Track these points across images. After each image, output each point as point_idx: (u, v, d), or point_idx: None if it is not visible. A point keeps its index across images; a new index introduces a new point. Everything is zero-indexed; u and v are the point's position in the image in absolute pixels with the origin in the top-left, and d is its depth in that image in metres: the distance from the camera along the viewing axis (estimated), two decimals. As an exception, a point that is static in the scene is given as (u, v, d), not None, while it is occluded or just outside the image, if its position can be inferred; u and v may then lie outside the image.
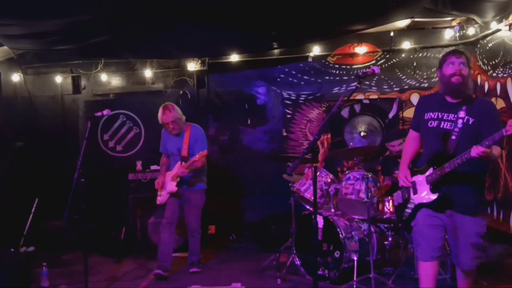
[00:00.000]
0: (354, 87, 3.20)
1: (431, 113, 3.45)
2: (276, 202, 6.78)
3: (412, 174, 3.54)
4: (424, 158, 3.50)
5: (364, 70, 3.14)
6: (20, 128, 7.56)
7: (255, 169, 7.37)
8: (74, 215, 4.19)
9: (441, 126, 3.37)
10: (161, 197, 5.40)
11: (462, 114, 3.30)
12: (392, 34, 7.07)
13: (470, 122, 3.28)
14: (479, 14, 5.94)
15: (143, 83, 7.69)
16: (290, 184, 5.39)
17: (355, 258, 4.66)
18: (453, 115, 3.34)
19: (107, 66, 7.68)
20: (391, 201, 4.96)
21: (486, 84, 6.73)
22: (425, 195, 3.41)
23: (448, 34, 7.07)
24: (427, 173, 3.40)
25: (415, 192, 3.50)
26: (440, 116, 3.40)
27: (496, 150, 3.16)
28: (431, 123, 3.43)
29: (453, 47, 7.12)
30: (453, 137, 3.29)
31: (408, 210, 3.54)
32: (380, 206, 4.96)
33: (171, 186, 5.27)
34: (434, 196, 3.35)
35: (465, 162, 3.12)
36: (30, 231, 6.79)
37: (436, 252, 3.38)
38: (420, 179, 3.46)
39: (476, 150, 2.99)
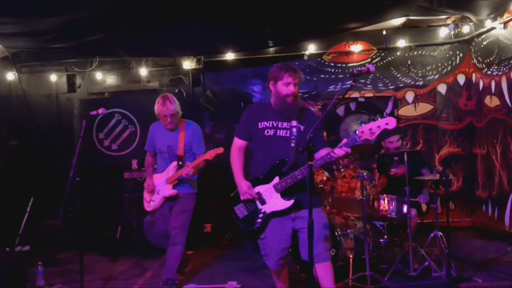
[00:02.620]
0: (349, 85, 3.19)
1: (265, 122, 3.57)
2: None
3: (253, 185, 3.55)
4: (263, 167, 3.54)
5: (359, 68, 3.14)
6: (15, 127, 7.54)
7: (251, 167, 7.36)
8: (70, 214, 4.20)
9: (278, 134, 3.52)
10: (154, 203, 4.82)
11: (294, 123, 3.51)
12: (385, 32, 7.08)
13: (302, 129, 3.51)
14: (474, 12, 5.96)
15: (138, 81, 7.68)
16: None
17: (351, 256, 4.67)
18: (286, 123, 3.53)
19: (102, 65, 7.66)
20: (386, 199, 4.97)
21: (481, 82, 6.76)
22: (278, 203, 3.45)
23: (443, 32, 7.09)
24: (274, 182, 3.47)
25: (263, 202, 3.51)
26: (275, 125, 3.54)
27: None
28: (267, 132, 3.54)
29: (448, 45, 7.17)
30: (292, 144, 3.46)
31: (259, 220, 3.52)
32: (375, 204, 4.98)
33: (168, 190, 4.70)
34: (289, 203, 3.42)
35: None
36: (26, 230, 6.77)
37: (281, 261, 3.59)
38: (265, 188, 3.50)
39: (340, 152, 3.24)
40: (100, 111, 4.48)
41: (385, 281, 4.45)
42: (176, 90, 7.50)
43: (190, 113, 7.30)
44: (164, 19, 5.34)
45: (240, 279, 5.00)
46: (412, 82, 7.28)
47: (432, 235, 4.98)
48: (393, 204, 4.97)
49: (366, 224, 4.67)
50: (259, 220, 3.52)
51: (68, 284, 5.04)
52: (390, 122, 3.11)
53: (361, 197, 4.65)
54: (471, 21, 6.57)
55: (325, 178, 5.22)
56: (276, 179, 3.46)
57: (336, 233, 4.70)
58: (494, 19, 6.06)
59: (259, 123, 3.59)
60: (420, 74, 7.27)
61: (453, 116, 7.20)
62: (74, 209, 4.17)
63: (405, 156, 4.85)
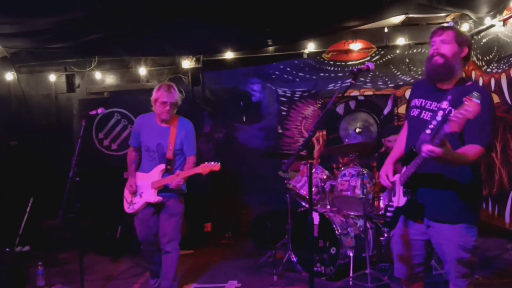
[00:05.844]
0: (349, 84, 3.17)
1: (416, 100, 2.93)
2: (272, 199, 6.78)
3: (395, 172, 3.00)
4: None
5: (358, 67, 3.13)
6: (14, 127, 7.53)
7: (251, 166, 7.37)
8: (69, 214, 4.16)
9: (421, 116, 2.83)
10: (136, 205, 4.40)
11: (445, 104, 2.53)
12: (386, 30, 7.07)
13: None
14: (473, 10, 5.95)
15: (137, 81, 7.67)
16: (285, 181, 5.39)
17: (351, 254, 4.68)
18: (435, 104, 2.76)
19: (101, 64, 7.64)
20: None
21: (481, 79, 6.75)
22: (400, 198, 2.90)
23: (442, 30, 7.07)
24: (402, 172, 2.87)
25: (394, 194, 3.00)
26: (423, 104, 2.86)
27: (468, 150, 2.57)
28: (413, 111, 2.93)
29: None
30: (428, 131, 2.51)
31: (389, 214, 3.00)
32: (375, 202, 4.97)
33: (152, 196, 4.28)
34: (403, 201, 2.86)
35: (433, 162, 2.48)
36: (25, 231, 6.77)
37: (412, 270, 2.94)
38: (397, 178, 2.96)
39: (425, 148, 2.37)
40: (100, 110, 4.47)
41: (386, 280, 4.45)
42: (176, 90, 7.49)
43: (190, 112, 7.33)
44: (163, 19, 5.33)
45: (240, 278, 5.00)
46: (412, 80, 7.27)
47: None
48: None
49: (367, 222, 4.67)
50: (390, 214, 2.99)
51: (68, 284, 5.04)
52: None
53: (361, 196, 4.65)
54: (471, 18, 6.55)
55: (325, 177, 5.21)
56: (404, 169, 2.83)
57: (336, 232, 4.71)
58: (494, 16, 6.05)
59: (413, 100, 2.97)
60: (419, 72, 7.26)
61: (453, 114, 7.18)
62: (74, 209, 4.14)
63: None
